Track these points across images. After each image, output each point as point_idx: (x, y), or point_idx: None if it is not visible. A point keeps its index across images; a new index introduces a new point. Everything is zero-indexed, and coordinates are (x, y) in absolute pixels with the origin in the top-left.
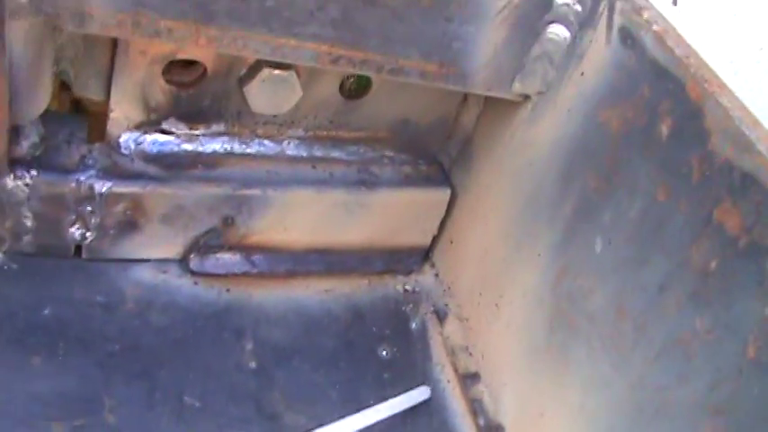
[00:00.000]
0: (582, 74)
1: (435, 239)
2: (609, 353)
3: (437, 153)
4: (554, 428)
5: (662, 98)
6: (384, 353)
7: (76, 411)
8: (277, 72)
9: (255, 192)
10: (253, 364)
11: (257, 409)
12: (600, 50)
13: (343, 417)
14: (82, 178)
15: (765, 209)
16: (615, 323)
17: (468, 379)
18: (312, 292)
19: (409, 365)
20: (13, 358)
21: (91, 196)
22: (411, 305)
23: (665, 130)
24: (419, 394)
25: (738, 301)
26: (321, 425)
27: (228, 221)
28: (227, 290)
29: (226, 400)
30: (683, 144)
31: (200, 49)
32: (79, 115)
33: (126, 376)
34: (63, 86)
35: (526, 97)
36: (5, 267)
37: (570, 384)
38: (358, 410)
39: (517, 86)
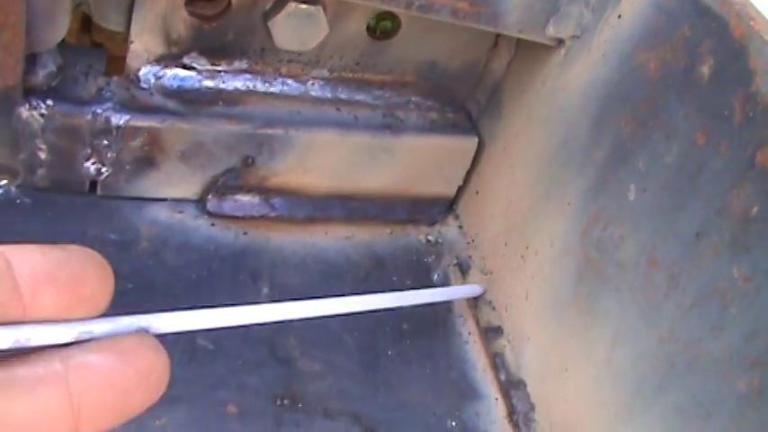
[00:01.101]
0: (619, 16)
1: (460, 190)
2: (639, 304)
3: (465, 101)
4: (578, 384)
5: (703, 38)
6: None
7: None
8: (303, 6)
9: (277, 131)
10: None
11: (271, 353)
12: None
13: (361, 361)
14: (98, 110)
15: None
16: (647, 273)
17: (491, 332)
18: (332, 239)
19: (430, 316)
20: None
21: (107, 129)
22: (433, 256)
23: (705, 71)
24: (470, 290)
25: None
26: (335, 372)
27: (248, 161)
28: (245, 233)
29: (239, 343)
30: (725, 85)
31: None
32: (99, 48)
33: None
34: (83, 27)
35: (560, 41)
36: (18, 201)
37: (597, 338)
38: (375, 356)
39: (551, 30)
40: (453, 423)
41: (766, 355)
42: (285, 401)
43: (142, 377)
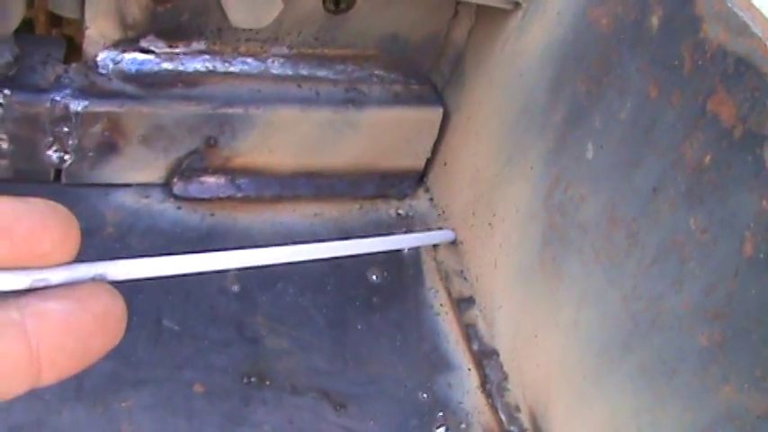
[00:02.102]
0: None
1: (429, 162)
2: (602, 264)
3: (429, 72)
4: (547, 349)
5: None
6: (374, 277)
7: None
8: None
9: (237, 110)
10: (235, 288)
11: (238, 332)
12: None
13: (330, 336)
14: (57, 98)
15: (761, 95)
16: (608, 232)
17: (463, 303)
18: (300, 217)
19: (400, 289)
20: None
21: (66, 116)
22: (404, 230)
23: (655, 21)
24: (442, 235)
25: (734, 195)
26: (303, 349)
27: (211, 142)
28: (212, 214)
29: (206, 323)
30: (674, 34)
31: None
32: (57, 37)
33: None
34: (53, 20)
35: (517, 4)
36: None
37: (563, 301)
38: (345, 331)
39: None
40: (425, 395)
41: (725, 308)
42: (252, 379)
43: (99, 322)
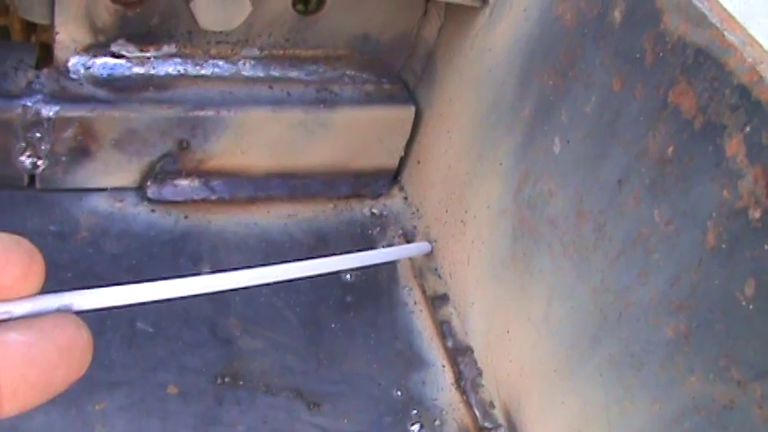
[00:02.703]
0: None
1: (403, 161)
2: (571, 258)
3: (401, 71)
4: (520, 344)
5: None
6: (348, 276)
7: None
8: None
9: (209, 113)
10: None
11: (212, 333)
12: None
13: (303, 336)
14: (29, 103)
15: (720, 84)
16: (576, 225)
17: (437, 301)
18: (274, 218)
19: (374, 288)
20: None
21: (38, 122)
22: (378, 229)
23: (617, 15)
24: (419, 248)
25: (696, 185)
26: (277, 349)
27: (183, 145)
28: (186, 216)
29: (179, 324)
30: (636, 27)
31: None
32: (28, 43)
33: None
34: (28, 28)
35: (484, 1)
36: None
37: (534, 296)
38: (318, 330)
39: None
40: (399, 393)
41: (690, 299)
42: (226, 380)
43: (64, 353)
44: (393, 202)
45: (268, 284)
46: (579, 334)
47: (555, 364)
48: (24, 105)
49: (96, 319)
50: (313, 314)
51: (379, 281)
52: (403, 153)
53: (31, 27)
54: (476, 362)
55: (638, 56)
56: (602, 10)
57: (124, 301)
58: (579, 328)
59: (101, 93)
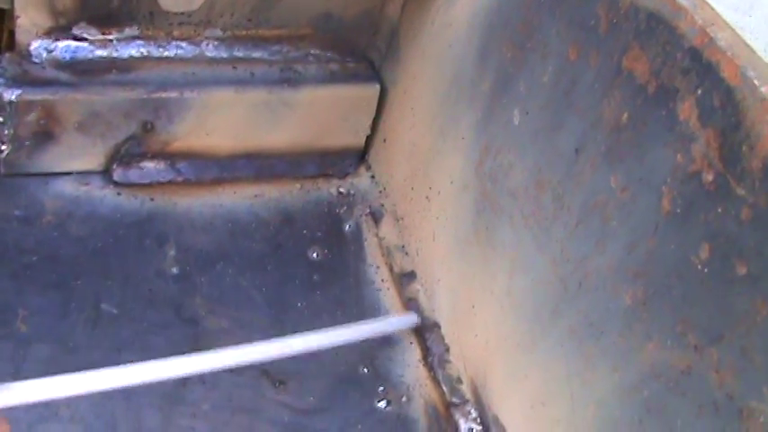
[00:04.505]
0: None
1: (370, 140)
2: (531, 229)
3: (366, 50)
4: (484, 319)
5: None
6: (315, 255)
7: None
8: None
9: (172, 94)
10: (174, 270)
11: (177, 314)
12: None
13: (269, 315)
14: None
15: (671, 48)
16: (535, 197)
17: (404, 278)
18: (240, 198)
19: (341, 267)
20: None
21: (0, 105)
22: (345, 207)
23: None
24: (407, 320)
25: (651, 151)
26: (243, 328)
27: (148, 127)
28: (152, 199)
29: (144, 306)
30: None
31: None
32: None
33: (41, 287)
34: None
35: None
36: None
37: (497, 269)
38: (284, 309)
39: None
40: (365, 370)
41: (646, 265)
42: None
43: None
44: (360, 180)
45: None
46: (540, 306)
47: (518, 337)
48: None
49: (60, 302)
50: (279, 293)
51: (346, 259)
52: (369, 132)
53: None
54: (443, 338)
55: (592, 23)
56: None
57: (49, 395)
58: (540, 301)
59: (63, 76)
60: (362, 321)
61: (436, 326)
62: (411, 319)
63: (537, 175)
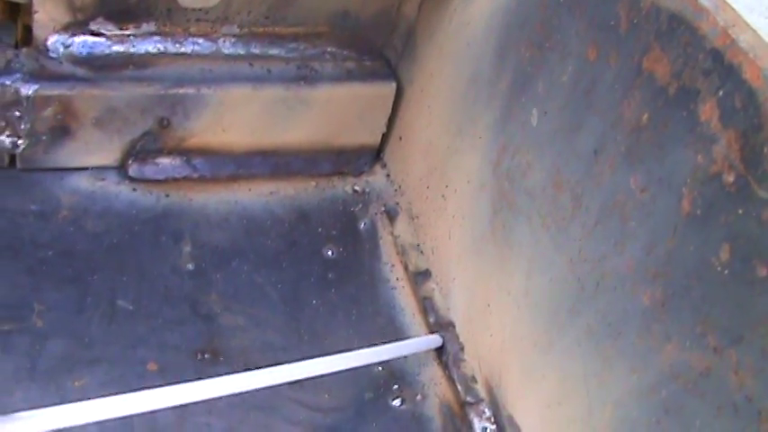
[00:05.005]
0: None
1: (385, 138)
2: (549, 229)
3: (382, 48)
4: (500, 318)
5: None
6: (329, 252)
7: (4, 317)
8: None
9: (189, 90)
10: (190, 266)
11: (192, 310)
12: None
13: (284, 312)
14: (7, 82)
15: (693, 49)
16: (554, 196)
17: (419, 276)
18: (255, 195)
19: (356, 264)
20: None
21: (17, 100)
22: (360, 205)
23: None
24: (431, 341)
25: (671, 152)
26: (258, 325)
27: (164, 123)
28: (167, 195)
29: (160, 302)
30: None
31: None
32: (6, 21)
33: (57, 282)
34: (12, 11)
35: None
36: None
37: (514, 269)
38: (300, 306)
39: None
40: (380, 368)
41: (665, 266)
42: (206, 356)
43: None
44: (375, 179)
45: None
46: (558, 306)
47: (534, 337)
48: (3, 84)
49: (76, 297)
50: (294, 291)
51: (360, 257)
52: (385, 130)
53: (14, 8)
54: (458, 337)
55: (612, 23)
56: None
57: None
58: (558, 300)
59: (80, 71)
60: (386, 342)
61: (451, 325)
62: (435, 340)
63: (555, 175)
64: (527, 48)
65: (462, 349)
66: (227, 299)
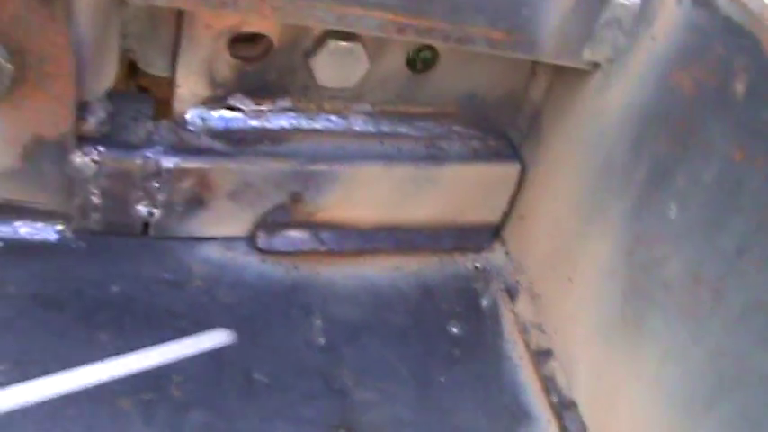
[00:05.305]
0: (652, 38)
1: (505, 216)
2: (686, 321)
3: (506, 128)
4: (629, 402)
5: (736, 56)
6: (454, 329)
7: (143, 386)
8: (344, 44)
9: (323, 167)
10: (321, 341)
11: (326, 385)
12: (670, 12)
13: (414, 388)
14: (149, 154)
15: None
16: (692, 290)
17: (541, 356)
18: (381, 270)
19: (480, 342)
20: (81, 334)
21: (158, 172)
22: (481, 282)
23: (740, 88)
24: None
25: None
26: (389, 400)
27: (296, 198)
28: (295, 267)
29: (294, 376)
30: (760, 100)
31: (266, 21)
32: (145, 94)
33: (196, 353)
34: (129, 72)
35: (596, 65)
36: (73, 246)
37: (646, 356)
38: (428, 382)
39: (587, 54)
40: None
41: None
42: (341, 431)
43: None
44: (494, 255)
45: None
46: (693, 396)
47: (667, 425)
48: (145, 156)
49: (213, 368)
50: (423, 367)
51: (484, 335)
52: (506, 208)
53: (131, 72)
54: (580, 417)
55: (761, 128)
56: (724, 81)
57: None
58: (693, 391)
59: (217, 145)
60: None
61: (573, 404)
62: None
63: (694, 269)
64: (666, 142)
65: (585, 430)
66: (358, 374)
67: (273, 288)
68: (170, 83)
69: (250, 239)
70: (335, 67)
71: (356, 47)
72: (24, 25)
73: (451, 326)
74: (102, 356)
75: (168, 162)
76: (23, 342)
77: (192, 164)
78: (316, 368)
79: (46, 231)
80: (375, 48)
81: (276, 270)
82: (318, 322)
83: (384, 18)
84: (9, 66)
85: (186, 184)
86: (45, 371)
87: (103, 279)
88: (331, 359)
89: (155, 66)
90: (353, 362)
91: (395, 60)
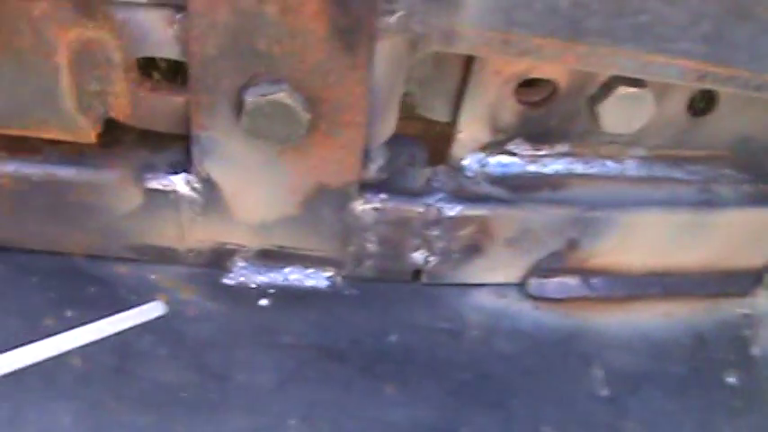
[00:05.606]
0: None
1: None
2: None
3: None
4: None
5: None
6: (731, 379)
7: None
8: (633, 90)
9: (601, 213)
10: (605, 392)
11: None
12: None
13: None
14: (430, 201)
15: None
16: None
17: None
18: (651, 316)
19: (758, 393)
20: (366, 386)
21: (438, 220)
22: (751, 329)
23: None
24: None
25: None
26: None
27: (573, 244)
28: (567, 314)
29: (582, 430)
30: None
31: (556, 67)
32: (419, 138)
33: (480, 406)
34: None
35: None
36: (345, 293)
37: None
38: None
39: None
40: None
41: None
42: None
43: None
44: (759, 301)
45: None
46: None
47: None
48: (426, 203)
49: (501, 422)
50: (705, 419)
51: (761, 385)
52: None
53: (430, 127)
54: None
55: None
56: None
57: None
58: None
59: (497, 191)
60: None
61: None
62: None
63: None
64: None
65: None
66: (646, 427)
67: (550, 337)
68: (449, 128)
69: (521, 286)
70: (622, 113)
71: (646, 93)
72: (324, 74)
73: (727, 376)
74: (389, 409)
75: (450, 209)
76: (310, 395)
77: (474, 211)
78: (602, 421)
79: (316, 278)
80: (658, 91)
81: (550, 318)
82: (600, 372)
83: (687, 66)
84: (307, 115)
85: (467, 232)
86: (337, 427)
87: (380, 328)
88: (617, 411)
89: (434, 111)
90: (639, 414)
91: (676, 104)
